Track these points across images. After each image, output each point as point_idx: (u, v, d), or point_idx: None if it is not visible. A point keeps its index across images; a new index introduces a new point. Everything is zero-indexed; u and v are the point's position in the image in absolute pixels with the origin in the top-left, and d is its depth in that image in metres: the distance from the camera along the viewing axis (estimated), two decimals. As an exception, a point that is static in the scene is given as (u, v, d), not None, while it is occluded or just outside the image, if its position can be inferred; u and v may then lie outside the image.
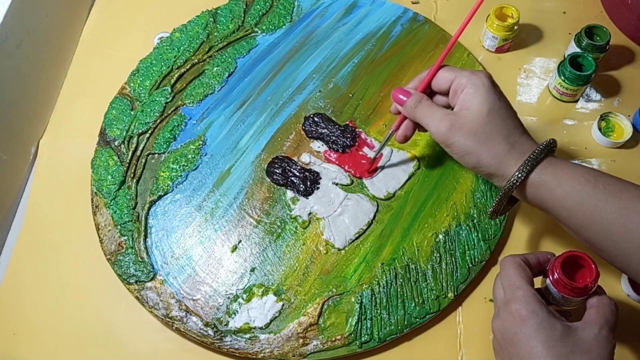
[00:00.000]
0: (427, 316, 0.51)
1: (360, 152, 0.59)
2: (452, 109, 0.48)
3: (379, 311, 0.51)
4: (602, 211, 0.41)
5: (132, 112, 0.62)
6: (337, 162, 0.59)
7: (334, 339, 0.50)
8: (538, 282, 0.44)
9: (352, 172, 0.58)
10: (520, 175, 0.44)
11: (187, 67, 0.65)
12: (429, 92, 0.51)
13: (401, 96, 0.50)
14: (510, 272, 0.42)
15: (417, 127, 0.51)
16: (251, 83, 0.64)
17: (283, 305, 0.52)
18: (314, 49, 0.67)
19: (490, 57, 0.67)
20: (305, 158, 0.59)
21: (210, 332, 0.51)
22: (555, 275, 0.41)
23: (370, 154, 0.59)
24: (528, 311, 0.39)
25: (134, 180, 0.58)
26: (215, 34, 0.67)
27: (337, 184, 0.58)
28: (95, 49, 0.69)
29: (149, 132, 0.61)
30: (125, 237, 0.55)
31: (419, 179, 0.58)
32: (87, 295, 0.54)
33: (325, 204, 0.57)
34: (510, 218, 0.57)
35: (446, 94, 0.49)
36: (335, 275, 0.53)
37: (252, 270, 0.54)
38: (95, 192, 0.57)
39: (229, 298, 0.52)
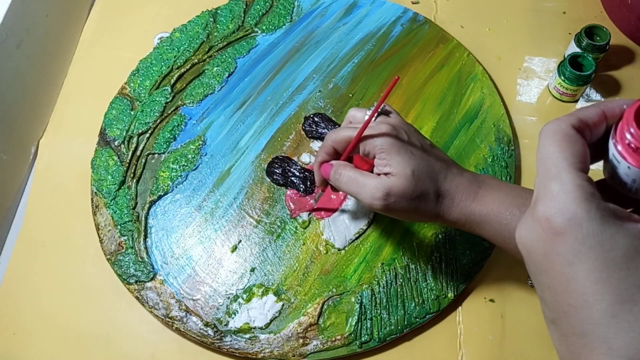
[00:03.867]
0: (427, 316, 0.51)
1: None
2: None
3: (379, 311, 0.51)
4: None
5: (132, 112, 0.62)
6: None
7: (334, 339, 0.50)
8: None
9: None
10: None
11: (187, 67, 0.65)
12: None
13: (325, 170, 0.47)
14: (547, 151, 0.26)
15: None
16: (251, 83, 0.64)
17: (283, 305, 0.52)
18: (314, 49, 0.67)
19: (490, 58, 0.67)
20: (305, 158, 0.59)
21: (210, 332, 0.51)
22: (628, 136, 0.24)
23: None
24: (564, 219, 0.24)
25: (134, 180, 0.58)
26: (215, 34, 0.67)
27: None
28: (95, 49, 0.69)
29: (149, 132, 0.61)
30: (125, 237, 0.55)
31: (419, 179, 0.58)
32: (87, 295, 0.54)
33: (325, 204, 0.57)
34: (510, 218, 0.57)
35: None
36: (335, 275, 0.53)
37: (252, 270, 0.54)
38: (95, 192, 0.57)
39: (229, 298, 0.52)
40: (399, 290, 0.52)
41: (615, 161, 0.26)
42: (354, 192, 0.44)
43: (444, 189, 0.43)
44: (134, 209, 0.57)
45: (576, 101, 0.64)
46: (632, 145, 0.25)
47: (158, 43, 0.67)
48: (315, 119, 0.62)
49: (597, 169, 0.29)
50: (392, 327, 0.51)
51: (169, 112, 0.62)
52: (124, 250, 0.54)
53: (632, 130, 0.24)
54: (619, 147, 0.25)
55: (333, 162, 0.46)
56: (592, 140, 0.28)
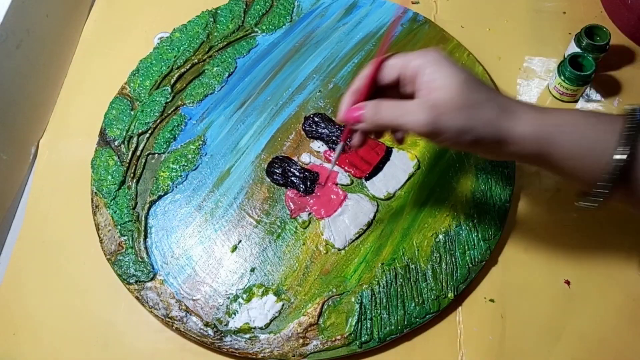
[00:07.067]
0: (427, 316, 0.51)
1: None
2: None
3: (379, 311, 0.51)
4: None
5: (132, 112, 0.62)
6: (337, 162, 0.59)
7: (334, 339, 0.50)
8: None
9: (352, 172, 0.58)
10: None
11: (187, 67, 0.65)
12: (374, 91, 0.43)
13: (356, 113, 0.42)
14: None
15: (371, 133, 0.45)
16: (251, 83, 0.64)
17: (283, 305, 0.52)
18: (314, 49, 0.67)
19: (490, 58, 0.67)
20: (305, 158, 0.59)
21: (210, 332, 0.51)
22: None
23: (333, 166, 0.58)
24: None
25: (134, 180, 0.58)
26: (215, 34, 0.67)
27: (337, 184, 0.58)
28: (95, 49, 0.69)
29: (149, 132, 0.61)
30: (125, 237, 0.55)
31: (419, 179, 0.58)
32: (87, 295, 0.54)
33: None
34: (511, 217, 0.57)
35: (394, 86, 0.43)
36: (335, 275, 0.53)
37: (252, 270, 0.54)
38: (95, 192, 0.57)
39: (229, 298, 0.52)
40: (399, 290, 0.52)
41: None
42: (396, 116, 0.40)
43: (501, 100, 0.39)
44: (134, 209, 0.57)
45: (576, 101, 0.64)
46: None
47: (158, 43, 0.67)
48: (315, 119, 0.62)
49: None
50: (392, 327, 0.51)
51: (169, 112, 0.62)
52: (124, 250, 0.54)
53: None
54: None
55: (361, 103, 0.42)
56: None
